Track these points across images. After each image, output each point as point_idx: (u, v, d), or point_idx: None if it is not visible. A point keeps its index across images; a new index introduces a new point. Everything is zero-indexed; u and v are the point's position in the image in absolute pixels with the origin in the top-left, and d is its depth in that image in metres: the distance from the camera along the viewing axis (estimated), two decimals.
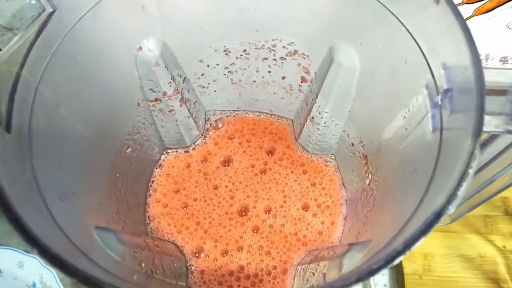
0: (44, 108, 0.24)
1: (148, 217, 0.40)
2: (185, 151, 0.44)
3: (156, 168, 0.43)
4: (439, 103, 0.23)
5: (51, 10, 0.24)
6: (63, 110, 0.27)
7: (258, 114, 0.47)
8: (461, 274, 0.43)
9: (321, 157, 0.43)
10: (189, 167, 0.43)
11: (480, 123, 0.18)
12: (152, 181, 0.42)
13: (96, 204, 0.30)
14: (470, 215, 0.41)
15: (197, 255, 0.38)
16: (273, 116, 0.46)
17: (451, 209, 0.17)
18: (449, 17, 0.21)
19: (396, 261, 0.16)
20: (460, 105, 0.21)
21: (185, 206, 0.41)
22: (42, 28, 0.24)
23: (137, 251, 0.30)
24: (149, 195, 0.42)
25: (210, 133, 0.45)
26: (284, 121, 0.46)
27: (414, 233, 0.16)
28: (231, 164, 0.43)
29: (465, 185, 0.17)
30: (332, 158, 0.43)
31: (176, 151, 0.44)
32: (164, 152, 0.44)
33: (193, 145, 0.45)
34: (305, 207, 0.41)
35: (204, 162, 0.44)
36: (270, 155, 0.44)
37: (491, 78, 0.23)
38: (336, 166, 0.43)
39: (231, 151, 0.44)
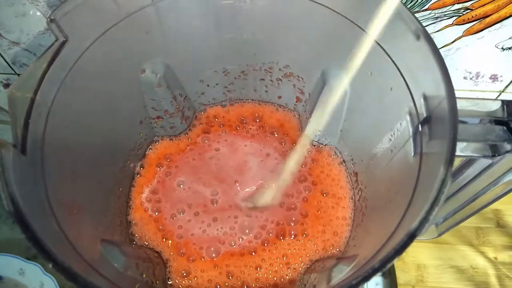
0: (55, 130, 0.26)
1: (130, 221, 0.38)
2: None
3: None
4: (420, 129, 0.25)
5: (63, 39, 0.26)
6: (72, 131, 0.28)
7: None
8: (453, 285, 0.44)
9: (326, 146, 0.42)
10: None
11: (452, 153, 0.20)
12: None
13: (102, 217, 0.32)
14: (462, 227, 0.42)
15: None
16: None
17: (424, 230, 0.19)
18: (427, 52, 0.23)
19: (373, 277, 0.18)
20: (436, 133, 0.23)
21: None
22: (55, 57, 0.26)
23: (139, 262, 0.32)
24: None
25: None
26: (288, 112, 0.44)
27: (390, 253, 0.18)
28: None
29: (436, 209, 0.19)
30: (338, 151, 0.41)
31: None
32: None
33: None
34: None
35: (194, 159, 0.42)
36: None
37: (468, 107, 0.26)
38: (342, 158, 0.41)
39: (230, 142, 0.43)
